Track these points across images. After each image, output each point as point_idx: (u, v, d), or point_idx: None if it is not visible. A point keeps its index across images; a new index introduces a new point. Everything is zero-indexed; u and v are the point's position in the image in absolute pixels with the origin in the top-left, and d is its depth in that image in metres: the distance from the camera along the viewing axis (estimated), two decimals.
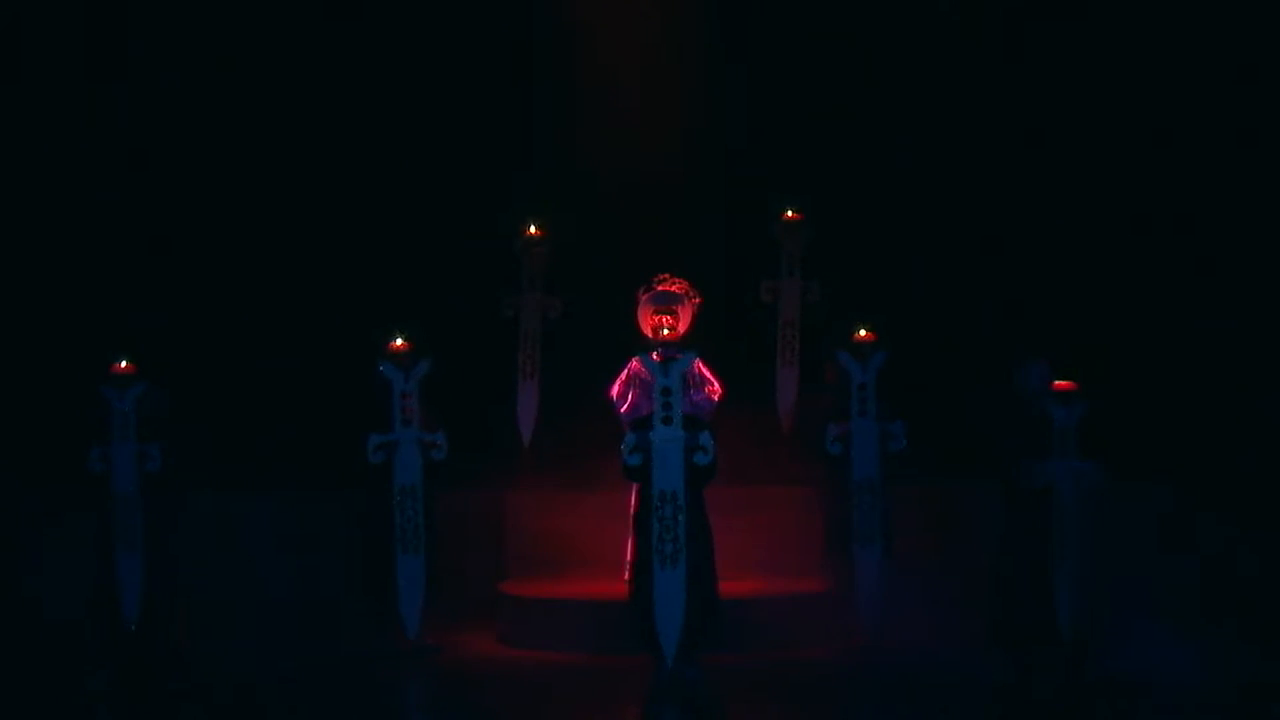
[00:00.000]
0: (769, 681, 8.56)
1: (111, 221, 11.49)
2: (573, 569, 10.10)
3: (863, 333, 9.34)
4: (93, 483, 8.31)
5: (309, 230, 11.58)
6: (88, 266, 11.39)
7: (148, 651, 8.34)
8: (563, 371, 10.93)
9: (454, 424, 9.31)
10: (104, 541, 8.29)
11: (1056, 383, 8.03)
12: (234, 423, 10.91)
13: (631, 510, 8.90)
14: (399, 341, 8.97)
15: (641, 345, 9.16)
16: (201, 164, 11.61)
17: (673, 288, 9.78)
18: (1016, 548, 8.03)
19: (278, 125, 11.62)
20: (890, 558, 9.33)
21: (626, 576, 8.87)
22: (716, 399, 9.75)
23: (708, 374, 9.76)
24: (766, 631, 9.34)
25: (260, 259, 11.55)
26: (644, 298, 9.74)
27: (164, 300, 11.37)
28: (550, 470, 10.81)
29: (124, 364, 8.47)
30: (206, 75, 11.57)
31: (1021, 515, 8.02)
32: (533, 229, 10.95)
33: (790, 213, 10.94)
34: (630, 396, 9.57)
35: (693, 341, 9.74)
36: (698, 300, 9.83)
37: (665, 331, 9.48)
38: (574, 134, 11.64)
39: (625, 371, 9.64)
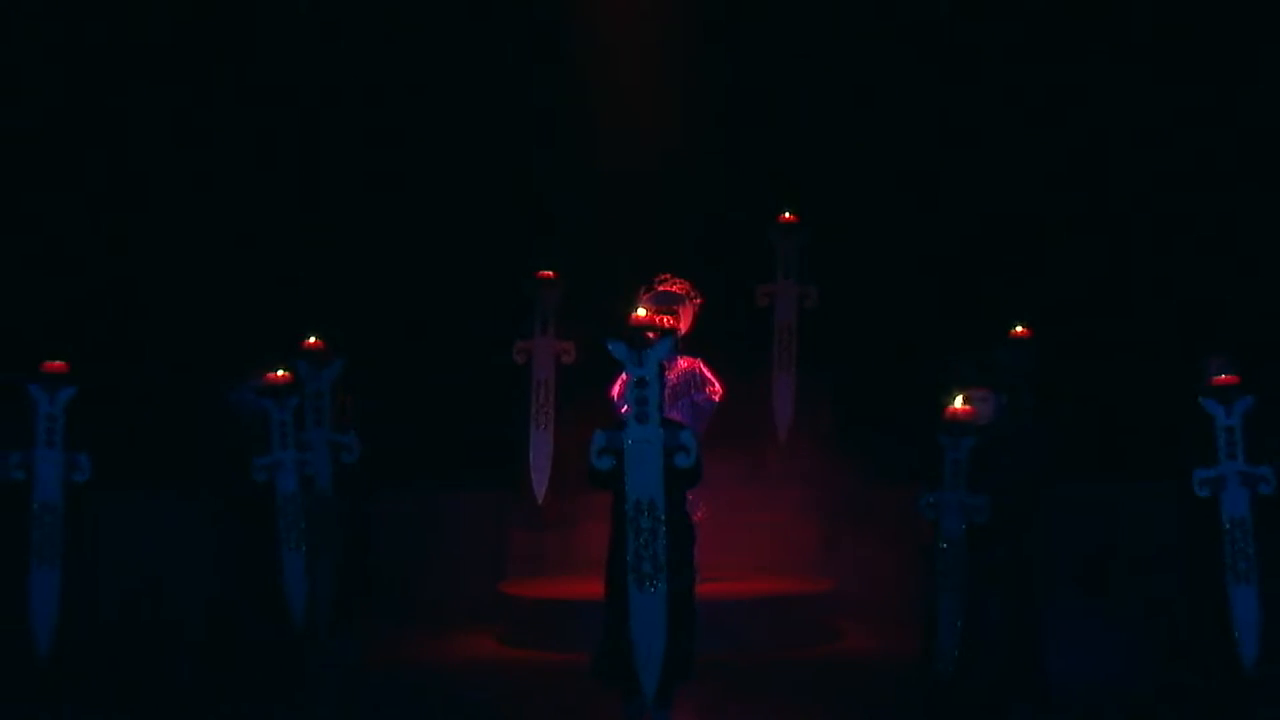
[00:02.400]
0: (767, 682, 8.56)
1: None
2: (573, 569, 10.10)
3: (1020, 329, 9.05)
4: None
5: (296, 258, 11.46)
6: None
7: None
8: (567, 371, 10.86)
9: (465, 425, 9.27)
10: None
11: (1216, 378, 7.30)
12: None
13: None
14: (312, 339, 8.52)
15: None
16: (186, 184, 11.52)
17: (674, 288, 9.77)
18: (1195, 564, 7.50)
19: (277, 139, 11.56)
20: None
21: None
22: (718, 399, 9.74)
23: (709, 374, 9.74)
24: (766, 631, 9.36)
25: (262, 285, 11.43)
26: (644, 298, 9.72)
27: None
28: (553, 470, 10.76)
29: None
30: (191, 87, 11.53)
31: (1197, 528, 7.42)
32: (546, 271, 10.30)
33: (786, 215, 10.72)
34: None
35: (694, 343, 9.76)
36: (699, 301, 9.81)
37: (643, 311, 9.19)
38: (573, 138, 11.62)
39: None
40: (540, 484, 10.06)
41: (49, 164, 11.28)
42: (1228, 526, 7.11)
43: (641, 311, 9.21)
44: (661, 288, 9.74)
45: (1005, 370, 8.39)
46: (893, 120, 11.64)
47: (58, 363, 7.56)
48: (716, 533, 9.60)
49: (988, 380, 7.80)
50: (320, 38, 11.50)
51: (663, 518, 6.81)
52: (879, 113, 11.64)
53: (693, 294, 9.77)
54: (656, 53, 11.46)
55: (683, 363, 9.66)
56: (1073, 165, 11.63)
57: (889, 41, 11.63)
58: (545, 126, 11.73)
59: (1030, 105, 11.61)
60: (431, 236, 11.58)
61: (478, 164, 11.65)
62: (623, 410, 9.32)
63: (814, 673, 8.76)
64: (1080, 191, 11.63)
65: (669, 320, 9.52)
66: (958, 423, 7.17)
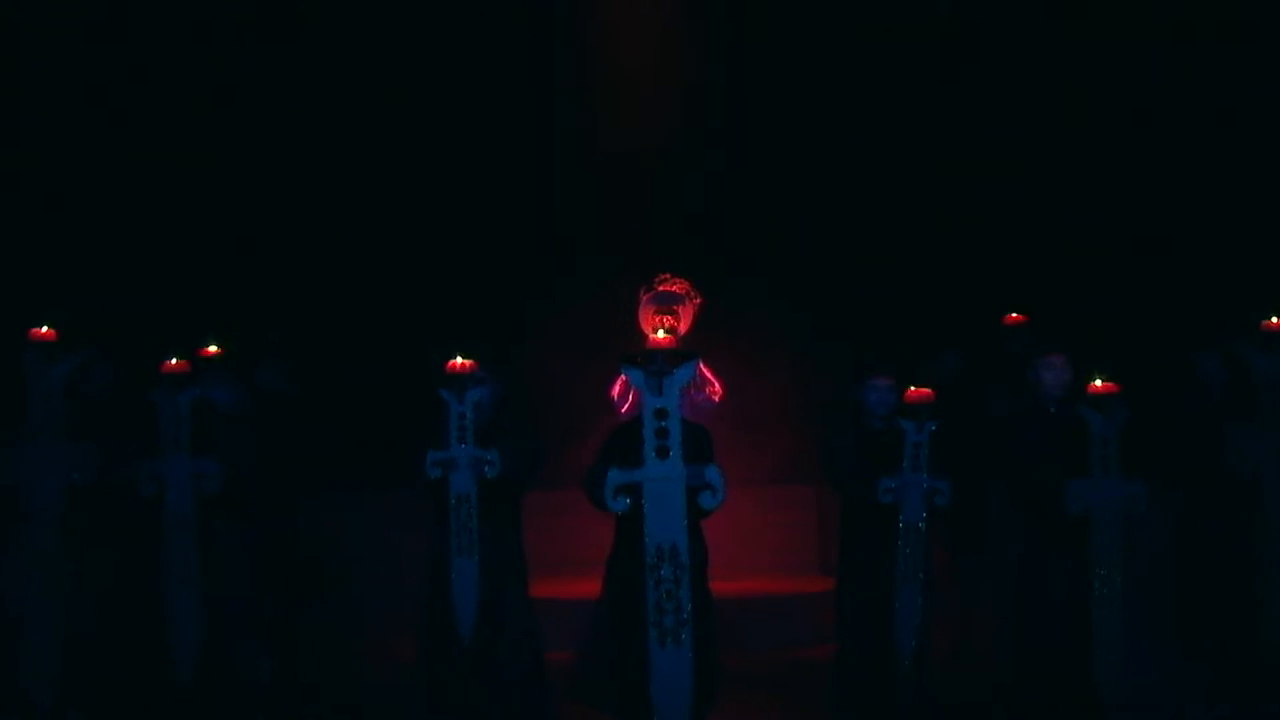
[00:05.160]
0: (769, 681, 8.57)
1: None
2: (574, 568, 10.10)
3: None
4: None
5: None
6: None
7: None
8: (566, 370, 10.87)
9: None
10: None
11: (1092, 385, 6.71)
12: None
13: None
14: (44, 329, 7.48)
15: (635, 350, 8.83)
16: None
17: (674, 288, 9.80)
18: (1051, 590, 6.88)
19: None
20: None
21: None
22: (718, 399, 9.74)
23: (708, 374, 9.75)
24: (766, 631, 9.36)
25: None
26: (645, 298, 9.75)
27: None
28: (553, 468, 10.73)
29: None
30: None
31: (1054, 550, 6.87)
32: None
33: (1014, 315, 9.28)
34: (632, 397, 9.47)
35: (695, 344, 9.76)
36: (699, 300, 9.83)
37: (661, 334, 9.13)
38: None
39: None
40: None
41: None
42: (1093, 552, 6.60)
43: (660, 334, 9.10)
44: (662, 288, 9.76)
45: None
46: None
47: (464, 362, 7.05)
48: (718, 532, 9.61)
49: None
50: (317, 37, 11.53)
51: (686, 564, 6.16)
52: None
53: (692, 293, 9.79)
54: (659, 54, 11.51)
55: None
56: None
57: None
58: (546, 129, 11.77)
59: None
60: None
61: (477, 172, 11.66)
62: (622, 410, 9.45)
63: (814, 673, 8.76)
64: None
65: (669, 320, 9.54)
66: (920, 405, 6.89)
